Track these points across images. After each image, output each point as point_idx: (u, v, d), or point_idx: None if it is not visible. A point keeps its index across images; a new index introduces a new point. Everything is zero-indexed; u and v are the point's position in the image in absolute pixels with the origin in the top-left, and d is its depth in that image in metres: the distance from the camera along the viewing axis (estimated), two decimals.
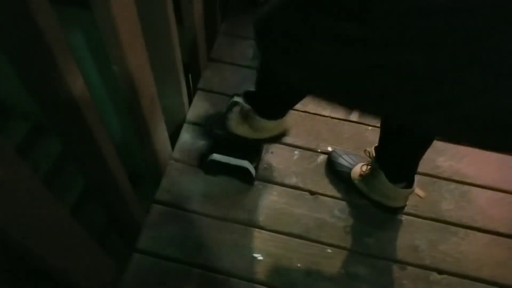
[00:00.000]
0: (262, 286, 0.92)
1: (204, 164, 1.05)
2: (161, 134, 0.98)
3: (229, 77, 1.27)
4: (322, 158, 1.11)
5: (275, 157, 1.11)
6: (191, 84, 1.31)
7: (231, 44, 1.36)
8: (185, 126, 1.16)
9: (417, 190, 0.98)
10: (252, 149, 1.07)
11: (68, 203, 1.61)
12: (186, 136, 1.15)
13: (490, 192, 1.08)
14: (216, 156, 1.01)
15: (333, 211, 1.02)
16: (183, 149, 1.12)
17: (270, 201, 1.03)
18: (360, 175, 1.00)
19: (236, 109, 1.02)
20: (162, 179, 1.06)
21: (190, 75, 1.28)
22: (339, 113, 1.18)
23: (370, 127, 1.17)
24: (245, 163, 1.00)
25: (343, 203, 1.04)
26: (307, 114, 1.19)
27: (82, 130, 0.62)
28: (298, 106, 1.17)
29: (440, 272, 0.95)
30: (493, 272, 0.95)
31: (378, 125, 0.96)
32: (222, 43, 1.36)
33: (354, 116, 1.18)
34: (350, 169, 1.04)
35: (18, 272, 0.59)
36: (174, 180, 1.07)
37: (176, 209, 1.02)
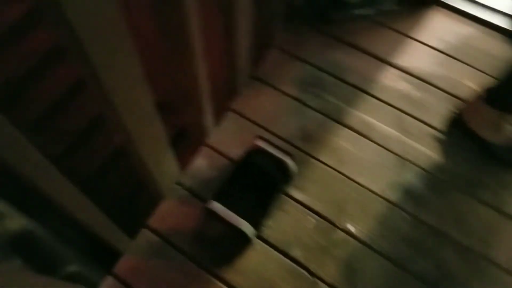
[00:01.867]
0: None
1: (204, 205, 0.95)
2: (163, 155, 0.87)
3: (267, 105, 1.13)
4: (338, 236, 0.96)
5: (287, 217, 0.98)
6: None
7: (281, 63, 1.21)
8: (204, 149, 1.06)
9: None
10: (263, 200, 0.95)
11: None
12: (201, 161, 1.04)
13: None
14: (215, 206, 0.89)
15: None
16: (193, 175, 1.02)
17: (262, 267, 0.91)
18: None
19: None
20: (161, 203, 0.98)
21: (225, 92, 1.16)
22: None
23: (409, 217, 0.99)
24: (244, 225, 0.88)
25: None
26: (340, 175, 1.03)
27: None
28: (334, 162, 1.02)
29: None
30: None
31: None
32: (271, 60, 1.21)
33: (391, 195, 1.01)
34: None
35: None
36: (172, 210, 0.98)
37: (164, 242, 0.94)
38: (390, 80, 1.19)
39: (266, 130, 1.09)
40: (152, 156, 0.79)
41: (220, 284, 0.89)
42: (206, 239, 0.94)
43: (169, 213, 0.97)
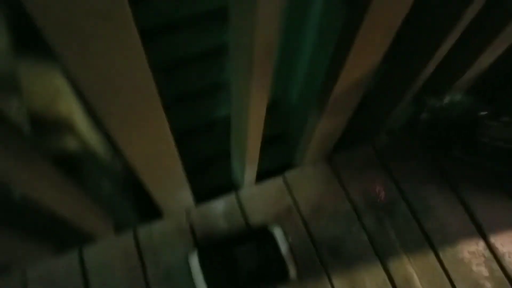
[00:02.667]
0: None
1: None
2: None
3: (320, 195, 0.99)
4: None
5: None
6: None
7: (365, 165, 1.05)
8: (230, 197, 0.98)
9: None
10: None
11: None
12: (221, 205, 0.97)
13: None
14: (193, 261, 0.81)
15: None
16: (204, 213, 0.95)
17: None
18: None
19: None
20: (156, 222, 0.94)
21: None
22: None
23: None
24: None
25: None
26: None
27: None
28: None
29: None
30: None
31: None
32: (356, 156, 1.06)
33: None
34: None
35: None
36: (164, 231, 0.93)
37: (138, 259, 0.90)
38: (470, 255, 0.95)
39: (302, 217, 0.96)
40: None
41: None
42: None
43: (159, 233, 0.93)
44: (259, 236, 0.88)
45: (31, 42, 0.75)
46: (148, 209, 0.91)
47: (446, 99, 0.96)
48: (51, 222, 0.79)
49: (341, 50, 0.62)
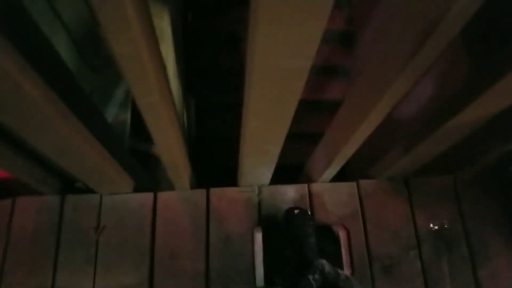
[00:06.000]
0: None
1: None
2: None
3: (392, 210, 1.00)
4: None
5: None
6: None
7: (443, 192, 1.04)
8: (302, 186, 1.00)
9: None
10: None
11: None
12: (292, 191, 0.99)
13: None
14: (257, 235, 0.85)
15: None
16: (274, 194, 0.98)
17: None
18: None
19: None
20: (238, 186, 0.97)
21: None
22: None
23: None
24: (258, 273, 0.83)
25: None
26: None
27: None
28: None
29: None
30: None
31: None
32: (434, 183, 1.05)
33: None
34: None
35: None
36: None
37: None
38: None
39: (365, 227, 0.98)
40: None
41: None
42: None
43: (229, 199, 0.97)
44: (323, 232, 0.90)
45: None
46: (226, 174, 0.95)
47: None
48: (146, 162, 0.84)
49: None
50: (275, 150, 0.75)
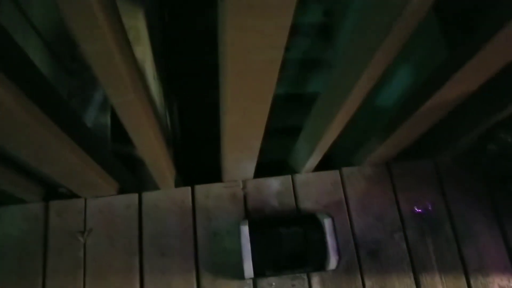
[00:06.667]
0: None
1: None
2: None
3: (375, 198, 1.02)
4: None
5: None
6: None
7: (421, 178, 1.06)
8: (286, 178, 1.01)
9: None
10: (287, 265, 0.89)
11: None
12: (277, 183, 1.00)
13: None
14: (243, 230, 0.86)
15: None
16: (259, 188, 0.99)
17: None
18: None
19: None
20: (223, 181, 0.98)
21: None
22: None
23: None
24: (246, 263, 0.84)
25: None
26: None
27: None
28: None
29: None
30: None
31: None
32: (414, 169, 1.07)
33: None
34: None
35: None
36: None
37: None
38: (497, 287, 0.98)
39: (349, 214, 1.00)
40: None
41: None
42: None
43: (215, 195, 0.98)
44: (308, 221, 0.91)
45: None
46: (212, 173, 0.95)
47: None
48: (130, 164, 0.84)
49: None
50: (256, 143, 0.76)
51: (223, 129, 0.67)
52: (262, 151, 0.80)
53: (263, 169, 1.01)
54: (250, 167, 0.90)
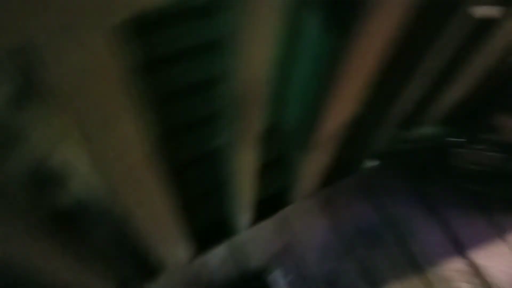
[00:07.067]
0: None
1: None
2: None
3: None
4: None
5: None
6: None
7: (350, 199, 1.10)
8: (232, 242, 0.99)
9: None
10: None
11: None
12: (217, 256, 0.97)
13: None
14: None
15: None
16: (199, 269, 0.95)
17: None
18: None
19: None
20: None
21: None
22: None
23: None
24: None
25: None
26: None
27: None
28: None
29: None
30: None
31: None
32: (343, 189, 1.11)
33: None
34: None
35: None
36: None
37: None
38: (454, 273, 1.01)
39: (298, 254, 0.99)
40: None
41: None
42: None
43: None
44: (255, 286, 0.89)
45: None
46: (144, 266, 0.90)
47: (423, 130, 1.02)
48: None
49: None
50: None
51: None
52: None
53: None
54: (181, 251, 0.87)
